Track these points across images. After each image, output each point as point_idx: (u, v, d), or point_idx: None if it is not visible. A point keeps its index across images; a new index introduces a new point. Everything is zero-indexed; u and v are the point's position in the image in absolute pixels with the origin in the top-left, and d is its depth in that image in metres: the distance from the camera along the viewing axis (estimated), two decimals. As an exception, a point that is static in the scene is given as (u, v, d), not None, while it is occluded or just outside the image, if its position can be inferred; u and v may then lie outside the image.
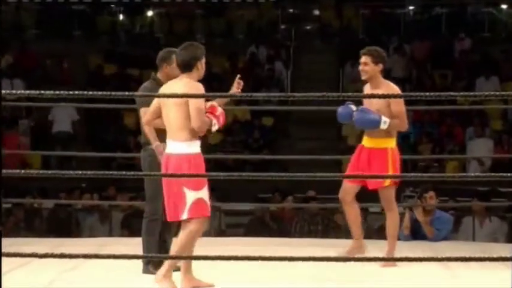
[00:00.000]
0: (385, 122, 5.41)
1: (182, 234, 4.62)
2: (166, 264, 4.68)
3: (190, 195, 4.57)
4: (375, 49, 5.54)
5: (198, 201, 4.58)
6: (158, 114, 4.75)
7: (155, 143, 5.05)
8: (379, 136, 5.49)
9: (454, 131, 12.52)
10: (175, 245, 4.65)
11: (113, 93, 4.03)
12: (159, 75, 5.27)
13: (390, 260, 5.44)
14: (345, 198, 5.63)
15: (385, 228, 5.72)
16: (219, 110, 4.76)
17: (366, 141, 5.57)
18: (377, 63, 5.50)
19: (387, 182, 5.47)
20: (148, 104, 4.88)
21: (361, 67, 5.52)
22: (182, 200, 4.57)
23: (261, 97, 10.78)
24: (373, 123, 5.40)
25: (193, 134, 4.63)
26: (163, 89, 4.77)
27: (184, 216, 4.59)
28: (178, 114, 4.61)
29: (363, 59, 5.51)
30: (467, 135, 12.35)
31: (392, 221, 5.59)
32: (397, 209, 5.64)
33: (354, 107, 5.51)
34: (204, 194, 4.62)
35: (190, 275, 4.72)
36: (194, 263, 4.72)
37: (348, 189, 5.61)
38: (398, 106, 5.46)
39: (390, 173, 5.38)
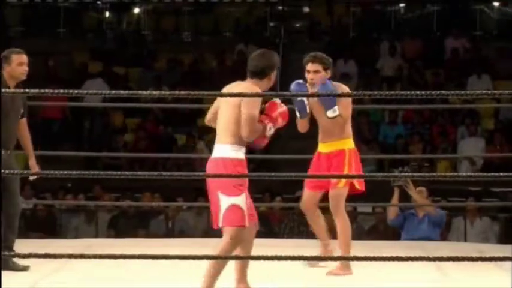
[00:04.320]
0: (334, 111, 5.21)
1: (220, 246, 4.38)
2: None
3: (225, 201, 4.35)
4: (322, 55, 5.33)
5: (233, 208, 4.35)
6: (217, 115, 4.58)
7: None
8: (334, 139, 5.33)
9: (446, 130, 12.44)
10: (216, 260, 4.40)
11: (99, 91, 3.87)
12: (4, 74, 5.26)
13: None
14: (307, 207, 5.44)
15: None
16: (279, 109, 4.51)
17: (322, 147, 5.42)
18: (327, 69, 5.31)
19: (341, 183, 5.27)
20: None
21: (311, 75, 5.26)
22: (218, 205, 4.37)
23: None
24: (331, 101, 5.19)
25: (240, 139, 4.42)
26: (226, 89, 4.57)
27: (220, 224, 4.38)
28: (229, 116, 4.43)
29: (314, 66, 5.27)
30: (459, 135, 12.28)
31: (343, 228, 5.29)
32: (346, 215, 5.35)
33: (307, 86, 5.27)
34: (241, 201, 4.36)
35: (246, 284, 4.55)
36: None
37: (310, 198, 5.44)
38: (347, 110, 5.29)
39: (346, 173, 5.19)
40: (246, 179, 4.44)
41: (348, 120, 5.33)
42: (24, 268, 5.18)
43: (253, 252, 4.75)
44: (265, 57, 4.56)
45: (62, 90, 4.18)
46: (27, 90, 4.04)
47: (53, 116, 12.85)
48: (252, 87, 4.47)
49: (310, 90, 5.27)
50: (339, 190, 5.29)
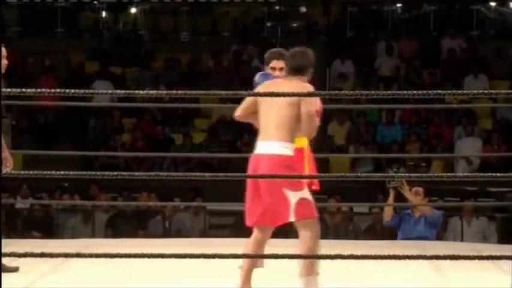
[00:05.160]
0: None
1: (304, 242, 4.41)
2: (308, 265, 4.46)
3: (293, 196, 4.38)
4: (285, 52, 5.20)
5: (303, 202, 4.40)
6: (251, 110, 4.57)
7: None
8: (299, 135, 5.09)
9: (443, 130, 12.44)
10: (303, 253, 4.43)
11: (96, 91, 3.86)
12: None
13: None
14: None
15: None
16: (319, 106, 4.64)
17: None
18: None
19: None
20: None
21: (277, 73, 5.14)
22: (285, 202, 4.38)
23: (247, 95, 10.60)
24: None
25: (292, 136, 4.45)
26: (269, 88, 4.55)
27: (292, 218, 4.40)
28: (284, 114, 4.43)
29: (280, 63, 5.13)
30: (456, 135, 12.28)
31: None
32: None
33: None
34: (307, 194, 4.43)
35: (249, 284, 4.53)
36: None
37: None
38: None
39: (307, 173, 5.05)
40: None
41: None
42: (14, 269, 5.13)
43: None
44: (305, 55, 4.59)
45: (58, 90, 4.17)
46: (24, 89, 4.02)
47: (49, 115, 12.86)
48: (305, 85, 4.49)
49: None
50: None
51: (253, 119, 4.61)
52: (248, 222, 4.52)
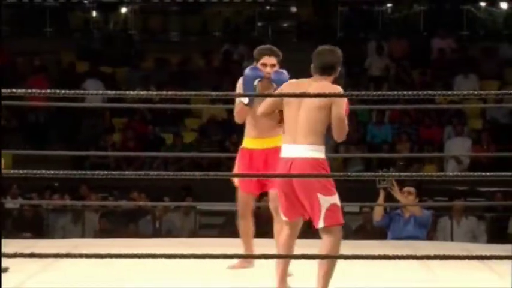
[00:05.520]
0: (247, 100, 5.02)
1: (326, 248, 4.37)
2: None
3: (324, 201, 4.33)
4: (277, 49, 5.14)
5: (333, 208, 4.35)
6: (275, 108, 4.47)
7: None
8: (274, 134, 5.04)
9: (433, 130, 12.46)
10: (323, 262, 4.38)
11: (86, 92, 3.85)
12: None
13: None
14: (244, 212, 5.19)
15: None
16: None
17: (257, 144, 5.11)
18: (279, 63, 5.12)
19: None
20: None
21: (268, 69, 5.03)
22: (317, 207, 4.33)
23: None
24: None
25: (322, 139, 4.37)
26: (296, 88, 4.42)
27: (321, 224, 4.34)
28: (314, 116, 4.33)
29: (271, 60, 5.06)
30: (445, 134, 12.30)
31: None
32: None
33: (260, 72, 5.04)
34: (337, 199, 4.38)
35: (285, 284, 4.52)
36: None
37: (249, 200, 5.17)
38: None
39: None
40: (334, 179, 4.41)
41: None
42: (4, 269, 5.10)
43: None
44: (334, 53, 4.49)
45: (49, 91, 4.16)
46: (14, 90, 4.00)
47: (40, 115, 12.83)
48: (335, 87, 4.38)
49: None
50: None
51: (273, 117, 4.51)
52: (286, 216, 4.42)
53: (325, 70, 4.44)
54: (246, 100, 5.00)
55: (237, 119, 5.14)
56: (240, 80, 5.13)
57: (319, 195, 4.32)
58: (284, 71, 5.03)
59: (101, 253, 3.98)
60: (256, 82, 4.96)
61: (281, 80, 4.89)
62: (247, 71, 5.05)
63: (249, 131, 5.15)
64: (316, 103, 4.33)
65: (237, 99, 5.12)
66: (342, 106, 4.36)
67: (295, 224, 4.47)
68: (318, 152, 4.35)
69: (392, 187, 6.99)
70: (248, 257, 4.84)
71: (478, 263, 5.31)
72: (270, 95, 4.67)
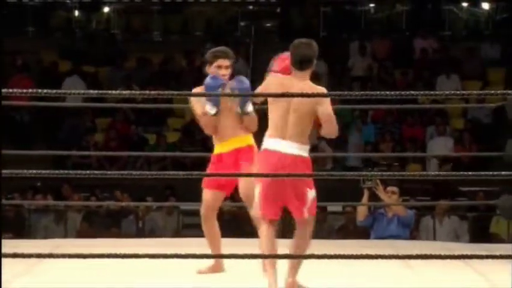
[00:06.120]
0: (250, 106, 5.00)
1: (305, 236, 4.54)
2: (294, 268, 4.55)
3: (309, 195, 4.51)
4: (231, 51, 5.14)
5: (314, 200, 4.56)
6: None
7: None
8: (238, 134, 5.04)
9: (415, 130, 12.50)
10: (300, 247, 4.52)
11: (68, 91, 3.84)
12: None
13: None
14: (209, 213, 5.15)
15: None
16: None
17: (223, 147, 5.07)
18: (233, 66, 5.12)
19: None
20: None
21: (223, 71, 5.03)
22: (304, 201, 4.50)
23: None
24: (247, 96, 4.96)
25: (308, 140, 4.50)
26: (282, 86, 4.45)
27: (306, 215, 4.52)
28: (305, 116, 4.43)
29: (226, 62, 5.05)
30: (428, 134, 12.34)
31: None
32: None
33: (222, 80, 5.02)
34: (315, 192, 4.58)
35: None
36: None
37: (214, 201, 5.12)
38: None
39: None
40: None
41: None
42: None
43: (226, 251, 4.77)
44: (312, 47, 4.54)
45: (30, 90, 4.14)
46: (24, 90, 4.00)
47: (22, 114, 12.79)
48: (320, 88, 4.45)
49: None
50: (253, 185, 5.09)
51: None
52: (264, 215, 4.52)
53: (304, 63, 4.49)
54: (213, 111, 4.99)
55: (208, 131, 5.11)
56: (197, 89, 5.13)
57: (308, 190, 4.49)
58: (245, 79, 5.01)
59: (84, 253, 3.98)
60: (219, 91, 4.95)
61: (244, 89, 4.91)
62: (208, 80, 5.01)
63: (213, 137, 5.15)
64: (306, 109, 4.42)
65: (199, 111, 5.06)
66: (328, 105, 4.43)
67: (274, 222, 4.56)
68: (306, 151, 4.48)
69: (376, 187, 7.01)
70: (228, 257, 4.81)
71: (460, 262, 5.33)
72: (266, 95, 4.65)
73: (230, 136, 5.06)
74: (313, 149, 11.54)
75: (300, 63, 4.50)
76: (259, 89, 4.61)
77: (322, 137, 4.87)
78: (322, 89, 4.45)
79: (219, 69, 5.05)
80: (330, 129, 4.47)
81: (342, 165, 12.13)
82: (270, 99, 4.50)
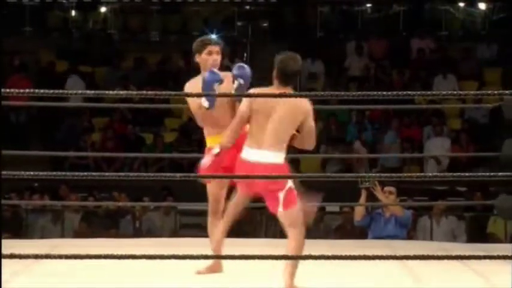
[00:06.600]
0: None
1: (294, 237, 4.60)
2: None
3: (282, 194, 4.56)
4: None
5: (290, 192, 4.61)
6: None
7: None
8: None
9: (412, 130, 12.51)
10: (293, 250, 4.59)
11: (65, 91, 3.83)
12: None
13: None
14: (214, 207, 5.12)
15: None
16: None
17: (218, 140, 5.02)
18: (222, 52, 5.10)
19: None
20: None
21: (214, 56, 4.99)
22: (277, 202, 4.59)
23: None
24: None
25: (285, 147, 4.56)
26: (263, 101, 4.51)
27: (280, 208, 4.59)
28: (283, 128, 4.51)
29: (216, 47, 5.03)
30: (425, 134, 12.35)
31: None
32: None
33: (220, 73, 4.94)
34: (291, 183, 4.62)
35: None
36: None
37: (220, 190, 5.07)
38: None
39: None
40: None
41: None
42: None
43: (225, 252, 4.78)
44: (297, 62, 4.56)
45: (27, 90, 4.14)
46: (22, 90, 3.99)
47: (19, 115, 12.79)
48: (307, 102, 4.52)
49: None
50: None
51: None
52: (240, 188, 4.65)
53: (290, 78, 4.55)
54: (206, 104, 4.93)
55: (206, 124, 5.09)
56: (187, 84, 5.10)
57: (279, 193, 4.54)
58: (246, 65, 4.96)
59: (81, 254, 3.98)
60: (216, 86, 4.90)
61: (245, 74, 4.85)
62: (206, 75, 4.93)
63: (209, 130, 5.13)
64: (288, 118, 4.49)
65: (195, 105, 5.02)
66: (312, 119, 4.55)
67: (247, 197, 4.70)
68: (280, 158, 4.53)
69: (374, 187, 7.03)
70: (226, 258, 4.81)
71: (458, 262, 5.34)
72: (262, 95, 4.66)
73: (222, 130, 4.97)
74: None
75: (286, 77, 4.54)
76: (244, 103, 4.62)
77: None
78: (307, 102, 4.53)
79: (210, 54, 5.02)
80: (310, 142, 4.59)
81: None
82: (253, 109, 4.52)
